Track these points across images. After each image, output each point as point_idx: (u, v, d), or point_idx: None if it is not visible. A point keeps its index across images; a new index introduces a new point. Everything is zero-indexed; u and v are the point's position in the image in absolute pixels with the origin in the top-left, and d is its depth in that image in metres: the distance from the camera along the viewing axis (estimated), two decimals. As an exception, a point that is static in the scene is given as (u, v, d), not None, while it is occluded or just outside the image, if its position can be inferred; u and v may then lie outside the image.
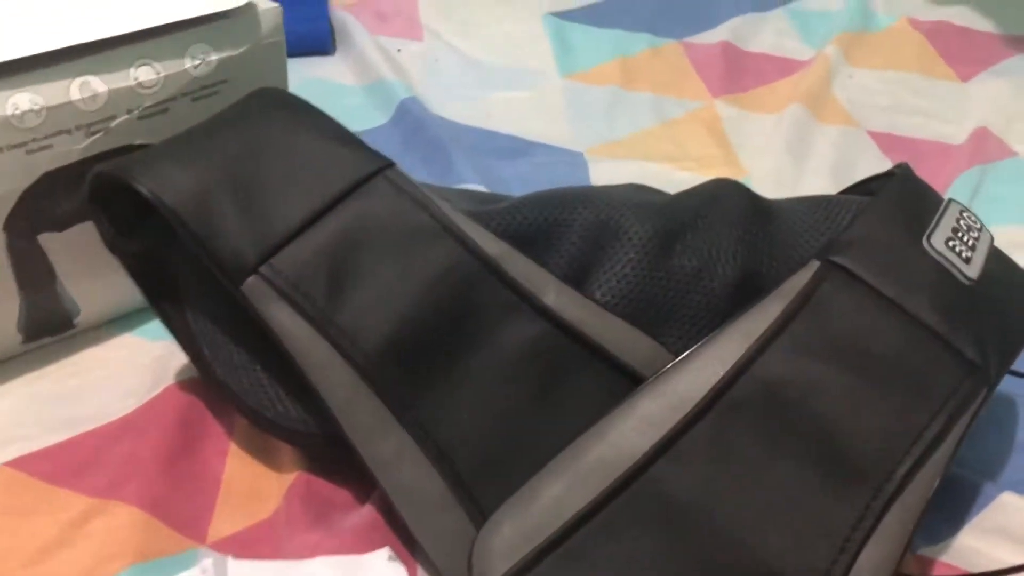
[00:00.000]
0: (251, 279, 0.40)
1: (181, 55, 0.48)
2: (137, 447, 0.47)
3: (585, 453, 0.38)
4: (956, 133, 0.75)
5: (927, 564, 0.43)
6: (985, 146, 0.72)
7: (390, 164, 0.43)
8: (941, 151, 0.74)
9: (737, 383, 0.38)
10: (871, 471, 0.37)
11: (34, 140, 0.45)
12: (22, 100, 0.43)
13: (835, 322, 0.39)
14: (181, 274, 0.46)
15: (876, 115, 0.77)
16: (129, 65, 0.46)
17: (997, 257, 0.45)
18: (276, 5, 0.51)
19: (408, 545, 0.43)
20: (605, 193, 0.47)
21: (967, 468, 0.48)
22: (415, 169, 0.68)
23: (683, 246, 0.45)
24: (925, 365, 0.39)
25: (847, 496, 0.36)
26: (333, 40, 0.82)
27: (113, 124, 0.47)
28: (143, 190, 0.40)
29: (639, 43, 0.85)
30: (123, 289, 0.49)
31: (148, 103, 0.47)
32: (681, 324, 0.44)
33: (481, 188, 0.65)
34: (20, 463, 0.46)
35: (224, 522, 0.44)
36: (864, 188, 0.49)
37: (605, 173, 0.69)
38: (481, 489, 0.40)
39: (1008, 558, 0.43)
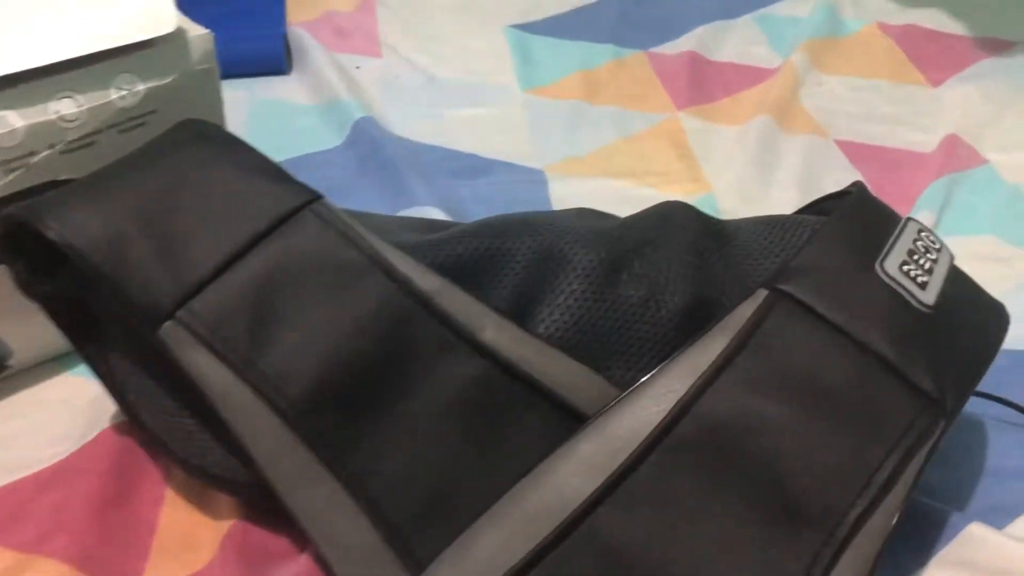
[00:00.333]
0: (168, 324, 0.38)
1: (106, 86, 0.46)
2: (68, 496, 0.45)
3: (524, 500, 0.36)
4: (927, 140, 0.74)
5: (891, 601, 0.42)
6: (956, 154, 0.71)
7: (317, 197, 0.42)
8: (912, 160, 0.72)
9: (681, 422, 0.36)
10: (822, 515, 0.35)
11: (-51, 179, 0.43)
12: (-66, 138, 0.42)
13: (783, 355, 0.37)
14: (104, 317, 0.44)
15: (845, 123, 0.75)
16: (49, 98, 0.44)
17: (956, 279, 0.43)
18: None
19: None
20: (550, 220, 0.45)
21: (933, 496, 0.46)
22: (369, 192, 0.66)
23: (630, 274, 0.43)
24: (878, 399, 0.37)
25: (797, 542, 0.34)
26: (289, 59, 0.80)
27: (34, 160, 0.45)
28: (51, 234, 0.38)
29: (603, 55, 0.83)
30: (56, 330, 0.47)
31: (71, 137, 0.45)
32: (628, 357, 0.42)
33: (436, 210, 0.63)
34: (-55, 516, 0.44)
35: (157, 574, 0.43)
36: (820, 207, 0.47)
37: (565, 191, 0.68)
38: (417, 540, 0.38)
39: (975, 594, 0.41)
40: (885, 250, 0.41)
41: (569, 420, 0.40)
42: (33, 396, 0.51)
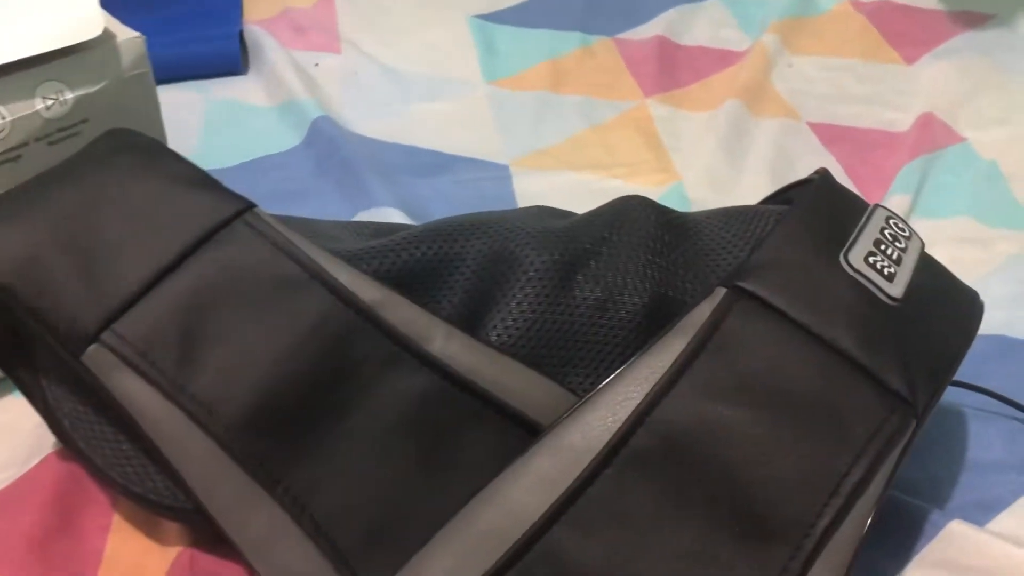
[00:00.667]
0: (92, 348, 0.36)
1: (30, 95, 0.43)
2: (9, 527, 0.43)
3: (476, 520, 0.35)
4: (902, 120, 0.72)
5: (870, 607, 0.40)
6: (932, 132, 0.69)
7: (249, 206, 0.39)
8: (886, 140, 0.70)
9: (637, 432, 0.34)
10: (788, 526, 0.33)
11: None
12: None
13: (743, 357, 0.35)
14: (36, 340, 0.41)
15: (817, 105, 0.73)
16: (-32, 112, 0.42)
17: (927, 268, 0.41)
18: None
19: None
20: (501, 220, 0.43)
21: (912, 493, 0.44)
22: (327, 194, 0.64)
23: (585, 275, 0.41)
24: (845, 401, 0.35)
25: (762, 557, 0.33)
26: (245, 58, 0.78)
27: (-44, 177, 0.42)
28: (-39, 258, 0.36)
29: (569, 42, 0.80)
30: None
31: (-5, 151, 0.43)
32: (587, 363, 0.40)
33: (396, 211, 0.61)
34: None
35: (104, 606, 0.41)
36: (785, 196, 0.45)
37: (531, 187, 0.65)
38: (365, 565, 0.36)
39: (957, 596, 0.39)
40: (850, 241, 0.39)
41: (525, 433, 0.38)
42: (-24, 421, 0.49)
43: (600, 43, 0.81)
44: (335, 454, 0.37)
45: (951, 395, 0.49)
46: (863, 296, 0.37)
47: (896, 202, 0.62)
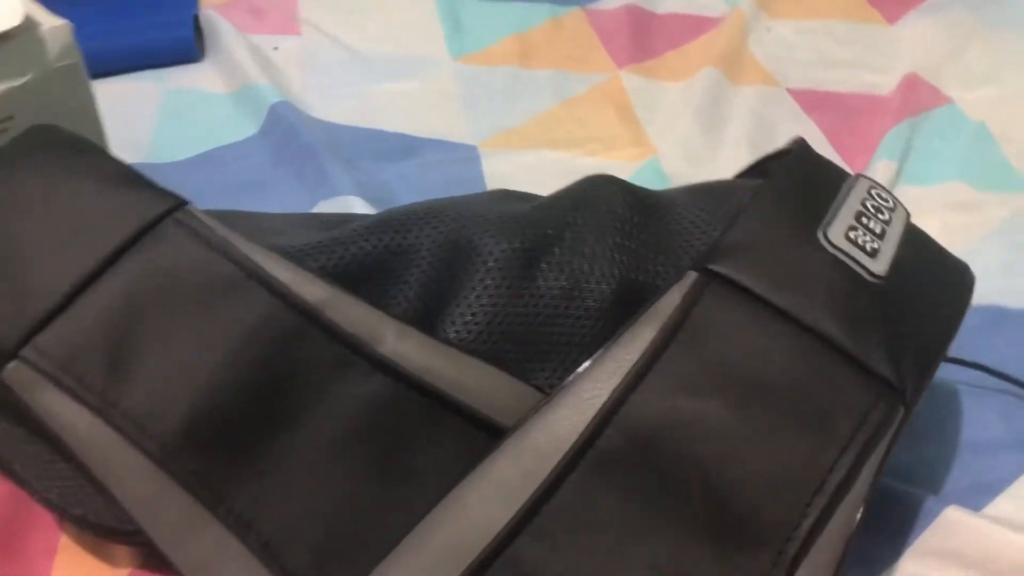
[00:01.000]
0: (12, 365, 0.33)
1: (-52, 93, 0.41)
2: (-51, 554, 0.41)
3: (435, 533, 0.32)
4: (885, 82, 0.69)
5: (863, 601, 0.37)
6: (917, 94, 0.66)
7: (180, 204, 0.36)
8: (870, 104, 0.67)
9: (604, 432, 0.32)
10: (769, 530, 0.30)
11: None
12: None
13: (717, 346, 0.33)
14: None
15: (797, 71, 0.70)
16: None
17: (913, 240, 0.38)
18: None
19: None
20: (458, 206, 0.40)
21: (905, 479, 0.41)
22: (285, 183, 0.61)
23: (549, 263, 0.38)
24: (828, 390, 0.32)
25: (742, 565, 0.30)
26: (201, 45, 0.75)
27: None
28: None
29: (539, 14, 0.77)
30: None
31: (-88, 154, 0.40)
32: (553, 358, 0.37)
33: (358, 200, 0.58)
34: None
35: (51, 632, 0.38)
36: (763, 168, 0.42)
37: (501, 168, 0.63)
38: (319, 585, 0.33)
39: (956, 586, 0.37)
40: (829, 215, 0.36)
41: (487, 436, 0.35)
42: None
43: (570, 14, 0.77)
44: (281, 468, 0.34)
45: (943, 372, 0.46)
46: (844, 274, 0.35)
47: (881, 169, 0.59)
